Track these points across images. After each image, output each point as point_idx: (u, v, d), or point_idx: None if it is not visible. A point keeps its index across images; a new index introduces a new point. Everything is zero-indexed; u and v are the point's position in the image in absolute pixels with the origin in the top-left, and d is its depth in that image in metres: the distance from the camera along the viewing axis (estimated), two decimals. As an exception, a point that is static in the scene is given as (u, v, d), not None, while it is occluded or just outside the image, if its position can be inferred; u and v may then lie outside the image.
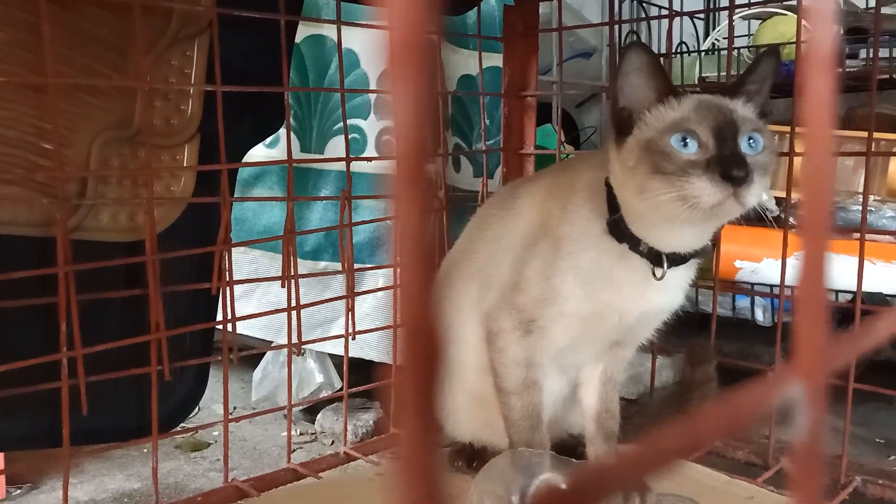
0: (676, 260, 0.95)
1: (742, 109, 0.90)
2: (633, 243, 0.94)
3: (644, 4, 2.43)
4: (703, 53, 2.24)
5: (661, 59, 2.25)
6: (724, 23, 2.20)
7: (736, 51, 2.17)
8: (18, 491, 1.60)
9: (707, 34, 2.45)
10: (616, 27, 2.24)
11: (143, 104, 1.09)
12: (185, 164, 1.16)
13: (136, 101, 1.09)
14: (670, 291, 0.99)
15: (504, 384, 1.02)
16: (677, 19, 2.22)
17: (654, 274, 0.95)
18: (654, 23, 2.40)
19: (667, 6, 1.38)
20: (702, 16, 2.52)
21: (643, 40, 2.35)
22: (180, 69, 1.14)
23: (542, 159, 1.61)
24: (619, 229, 0.94)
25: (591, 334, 1.01)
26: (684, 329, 1.62)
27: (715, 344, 1.34)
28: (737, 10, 2.01)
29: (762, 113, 0.93)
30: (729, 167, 0.84)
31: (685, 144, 0.87)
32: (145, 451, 1.76)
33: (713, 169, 0.84)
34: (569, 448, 1.13)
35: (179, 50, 1.14)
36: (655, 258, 0.94)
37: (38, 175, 1.01)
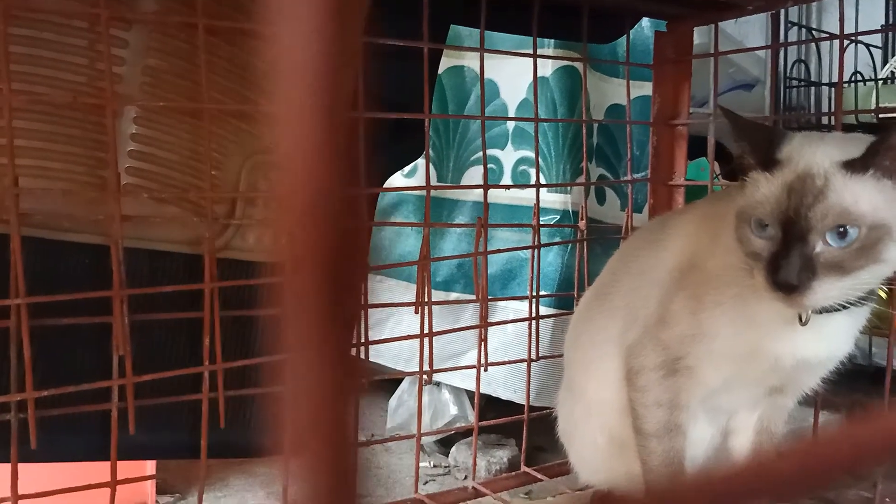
0: (827, 306, 0.84)
1: (851, 191, 0.77)
2: None
3: (813, 32, 2.27)
4: (880, 82, 2.06)
5: (832, 89, 2.10)
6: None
7: (920, 79, 1.97)
8: (169, 500, 1.68)
9: (885, 62, 2.25)
10: (780, 53, 2.12)
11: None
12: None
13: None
14: (832, 339, 0.88)
15: (644, 426, 0.95)
16: (850, 47, 2.06)
17: (800, 318, 0.85)
18: (823, 50, 2.23)
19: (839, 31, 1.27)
20: (879, 42, 2.32)
21: (812, 68, 2.19)
22: (326, 96, 1.18)
23: (693, 192, 1.52)
24: None
25: (745, 377, 0.93)
26: (855, 382, 1.46)
27: (890, 402, 1.19)
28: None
29: None
30: (777, 272, 0.76)
31: (761, 228, 0.80)
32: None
33: (768, 269, 0.77)
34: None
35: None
36: None
37: (190, 195, 1.06)
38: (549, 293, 1.53)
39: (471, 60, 1.71)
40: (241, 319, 1.10)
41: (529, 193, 1.46)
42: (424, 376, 1.24)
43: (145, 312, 1.02)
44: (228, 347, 1.07)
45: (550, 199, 1.59)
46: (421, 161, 1.25)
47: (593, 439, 1.06)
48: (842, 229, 0.76)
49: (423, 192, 1.23)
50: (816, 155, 0.81)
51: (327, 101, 0.20)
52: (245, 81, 1.10)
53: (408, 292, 1.75)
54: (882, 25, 2.32)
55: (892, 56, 2.26)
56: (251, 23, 1.06)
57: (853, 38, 1.50)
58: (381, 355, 1.63)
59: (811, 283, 0.75)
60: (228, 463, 1.22)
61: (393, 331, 1.69)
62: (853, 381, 1.35)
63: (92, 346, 1.02)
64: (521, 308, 1.52)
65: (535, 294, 1.34)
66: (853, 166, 0.78)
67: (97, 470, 1.03)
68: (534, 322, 1.34)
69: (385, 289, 1.78)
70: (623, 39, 1.44)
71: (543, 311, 1.39)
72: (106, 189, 1.00)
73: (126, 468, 1.06)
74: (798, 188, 0.78)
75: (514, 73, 1.61)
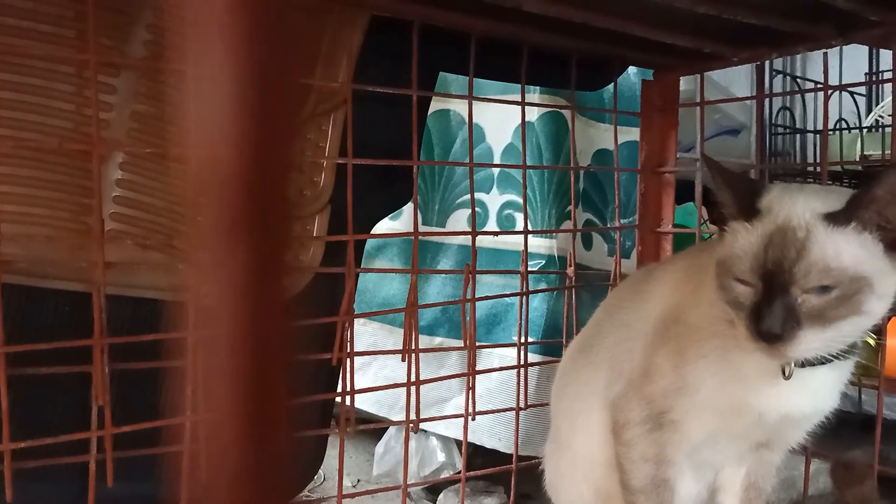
0: (810, 360, 0.83)
1: (833, 245, 0.76)
2: None
3: (798, 80, 2.30)
4: (864, 130, 2.08)
5: (817, 136, 2.12)
6: (889, 98, 2.03)
7: (903, 127, 2.00)
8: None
9: (869, 110, 2.28)
10: (765, 102, 2.14)
11: (278, 176, 1.13)
12: (314, 234, 1.17)
13: (271, 172, 1.13)
14: (817, 393, 0.88)
15: (631, 482, 0.93)
16: (835, 94, 2.09)
17: (783, 372, 0.84)
18: (808, 97, 2.26)
19: (823, 80, 1.29)
20: (863, 90, 2.35)
21: (797, 116, 2.22)
22: (315, 143, 1.18)
23: (682, 239, 1.52)
24: None
25: (730, 431, 0.91)
26: (845, 430, 1.45)
27: (881, 452, 1.18)
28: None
29: (888, 237, 0.78)
30: (760, 322, 0.75)
31: (741, 278, 0.80)
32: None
33: (751, 319, 0.77)
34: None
35: (315, 124, 1.17)
36: None
37: (175, 241, 1.05)
38: (535, 340, 1.52)
39: (456, 104, 1.72)
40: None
41: (515, 238, 1.46)
42: (412, 426, 1.22)
43: (129, 360, 1.01)
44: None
45: (536, 244, 1.59)
46: (406, 205, 1.25)
47: (580, 493, 1.04)
48: (823, 285, 0.76)
49: (408, 236, 1.22)
50: (797, 206, 0.80)
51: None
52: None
53: (392, 336, 1.73)
54: (865, 74, 2.36)
55: (877, 104, 2.30)
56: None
57: (839, 88, 1.52)
58: (363, 400, 1.61)
59: (796, 332, 0.75)
60: None
61: (377, 375, 1.67)
62: (843, 429, 1.34)
63: (71, 395, 1.00)
64: (506, 354, 1.51)
65: (523, 341, 1.33)
66: (835, 219, 0.78)
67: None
68: (522, 370, 1.33)
69: (369, 333, 1.77)
70: (610, 85, 1.46)
71: (529, 357, 1.38)
72: (90, 235, 0.99)
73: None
74: (779, 241, 0.78)
75: (499, 117, 1.62)
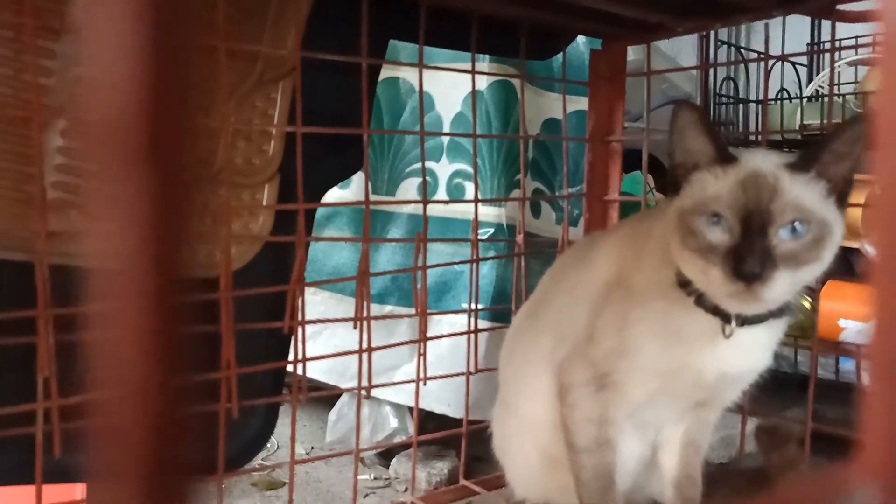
0: (749, 319, 0.88)
1: (799, 189, 0.82)
2: (699, 298, 0.88)
3: (741, 50, 2.35)
4: (804, 100, 2.14)
5: (759, 105, 2.17)
6: (828, 68, 2.09)
7: (841, 98, 2.06)
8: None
9: (810, 80, 2.34)
10: (710, 72, 2.18)
11: (226, 145, 1.12)
12: (264, 204, 1.17)
13: (218, 141, 1.12)
14: (752, 352, 0.92)
15: (575, 441, 0.97)
16: (777, 65, 2.14)
17: (723, 331, 0.88)
18: (752, 68, 2.31)
19: (765, 51, 1.32)
20: (805, 60, 2.41)
21: (740, 86, 2.27)
22: (263, 111, 1.17)
23: (628, 207, 1.55)
24: (687, 282, 0.88)
25: (670, 392, 0.95)
26: (783, 390, 1.51)
27: (816, 410, 1.24)
28: (842, 55, 1.91)
29: (837, 190, 0.84)
30: (742, 262, 0.78)
31: (715, 223, 0.82)
32: (224, 486, 1.77)
33: (728, 261, 0.79)
34: (649, 516, 1.06)
35: (263, 92, 1.16)
36: (724, 315, 0.88)
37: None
38: (484, 306, 1.54)
39: (406, 72, 1.72)
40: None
41: (464, 206, 1.48)
42: (364, 392, 1.23)
43: (74, 331, 0.99)
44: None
45: (485, 212, 1.60)
46: (356, 173, 1.25)
47: (527, 455, 1.07)
48: (796, 224, 0.80)
49: (359, 204, 1.23)
50: (757, 157, 0.86)
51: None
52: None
53: (342, 304, 1.74)
54: (808, 44, 2.41)
55: (817, 74, 2.36)
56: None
57: (779, 58, 1.56)
58: (313, 369, 1.62)
59: (773, 273, 0.78)
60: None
61: (327, 344, 1.68)
62: (780, 390, 1.39)
63: (16, 367, 0.98)
64: (456, 320, 1.53)
65: (473, 308, 1.35)
66: (796, 167, 0.83)
67: (25, 494, 1.00)
68: (472, 336, 1.36)
69: (318, 301, 1.77)
70: (559, 54, 1.47)
71: (479, 323, 1.40)
72: (32, 205, 0.97)
73: (53, 492, 1.03)
74: (752, 184, 0.82)
75: (448, 85, 1.62)
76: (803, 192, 0.82)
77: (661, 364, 0.92)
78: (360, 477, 1.41)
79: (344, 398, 1.93)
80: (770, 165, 0.84)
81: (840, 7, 1.21)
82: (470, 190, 1.62)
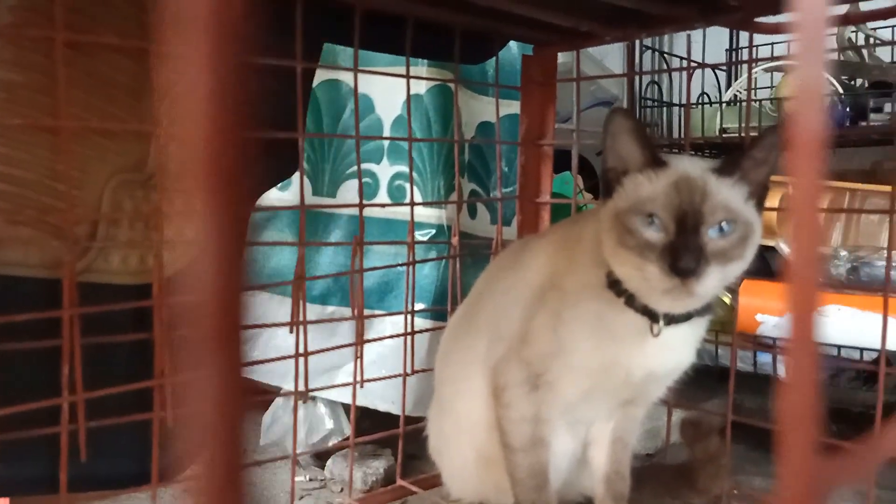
0: (676, 318, 0.93)
1: (725, 192, 0.87)
2: (629, 299, 0.92)
3: (665, 56, 2.43)
4: (724, 105, 2.23)
5: (681, 109, 2.26)
6: (746, 75, 2.19)
7: (758, 103, 2.15)
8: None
9: (729, 85, 2.44)
10: (636, 78, 2.25)
11: (158, 148, 1.10)
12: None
13: (150, 144, 1.10)
14: (677, 350, 0.96)
15: (510, 441, 0.99)
16: (699, 70, 2.22)
17: (651, 331, 0.92)
18: (675, 73, 2.39)
19: (687, 57, 1.38)
20: (724, 67, 2.51)
21: (664, 91, 2.35)
22: (196, 114, 1.15)
23: (559, 208, 1.59)
24: (617, 283, 0.92)
25: (601, 390, 0.99)
26: (705, 382, 1.57)
27: (735, 401, 1.30)
28: (758, 63, 2.00)
29: (757, 193, 0.90)
30: (678, 258, 0.83)
31: (650, 222, 0.86)
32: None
33: (665, 257, 0.84)
34: (581, 510, 1.09)
35: (196, 95, 1.14)
36: (652, 315, 0.92)
37: (49, 217, 1.01)
38: (425, 306, 1.56)
39: (346, 75, 1.71)
40: (103, 346, 1.05)
41: (405, 208, 1.48)
42: (300, 396, 1.23)
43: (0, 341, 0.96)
44: (90, 375, 1.02)
45: (426, 213, 1.62)
46: (296, 175, 1.25)
47: (463, 455, 1.09)
48: (724, 224, 0.85)
49: (295, 208, 1.22)
50: (685, 162, 0.91)
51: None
52: (109, 97, 1.06)
53: (282, 307, 1.72)
54: (727, 50, 2.51)
55: (736, 80, 2.46)
56: (113, 37, 1.02)
57: (700, 66, 1.63)
58: (254, 370, 1.60)
59: (705, 269, 0.83)
60: (89, 497, 1.16)
61: (267, 346, 1.66)
62: (702, 381, 1.45)
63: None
64: (398, 320, 1.54)
65: (410, 310, 1.36)
66: (721, 171, 0.88)
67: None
68: (409, 337, 1.37)
69: (258, 303, 1.75)
70: (493, 59, 1.49)
71: (421, 323, 1.42)
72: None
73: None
74: (685, 187, 0.86)
75: (388, 88, 1.63)
76: (729, 195, 0.87)
77: (594, 363, 0.95)
78: (295, 479, 1.40)
79: (279, 401, 1.92)
80: (698, 170, 0.89)
81: (757, 20, 1.27)
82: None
